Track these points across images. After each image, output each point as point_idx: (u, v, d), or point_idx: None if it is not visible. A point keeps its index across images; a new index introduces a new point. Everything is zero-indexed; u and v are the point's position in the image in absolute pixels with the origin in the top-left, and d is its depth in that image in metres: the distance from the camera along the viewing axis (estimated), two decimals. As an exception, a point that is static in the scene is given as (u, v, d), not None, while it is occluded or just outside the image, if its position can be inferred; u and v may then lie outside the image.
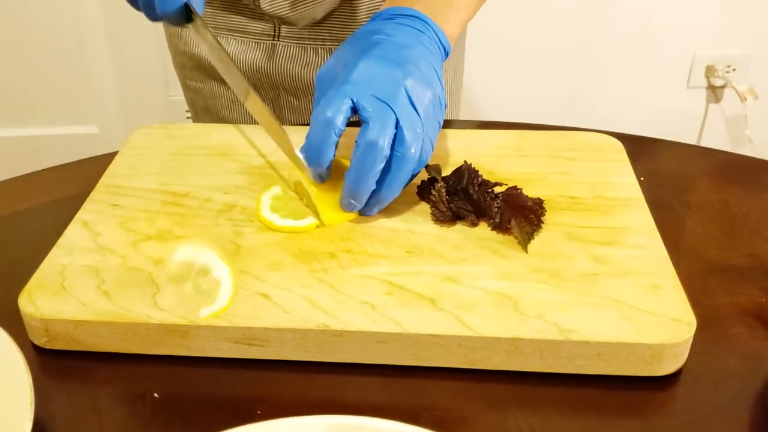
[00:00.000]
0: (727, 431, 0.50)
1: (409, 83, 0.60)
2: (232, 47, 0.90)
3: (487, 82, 1.92)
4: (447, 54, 0.67)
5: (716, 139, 2.02)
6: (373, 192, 0.61)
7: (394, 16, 0.66)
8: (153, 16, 0.62)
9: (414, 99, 0.60)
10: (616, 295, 0.55)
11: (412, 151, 0.59)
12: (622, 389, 0.52)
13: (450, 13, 0.67)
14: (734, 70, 1.93)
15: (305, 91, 0.91)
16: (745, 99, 1.91)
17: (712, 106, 2.01)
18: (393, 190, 0.61)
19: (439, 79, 0.63)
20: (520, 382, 0.53)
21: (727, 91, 1.97)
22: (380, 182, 0.60)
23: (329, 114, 0.59)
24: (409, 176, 0.61)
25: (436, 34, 0.66)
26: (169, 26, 0.96)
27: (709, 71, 1.94)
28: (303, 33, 0.88)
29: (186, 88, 1.00)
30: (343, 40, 0.87)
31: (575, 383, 0.53)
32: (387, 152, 0.59)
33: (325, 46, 0.88)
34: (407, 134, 0.59)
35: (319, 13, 0.86)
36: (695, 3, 1.86)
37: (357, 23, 0.87)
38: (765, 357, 0.54)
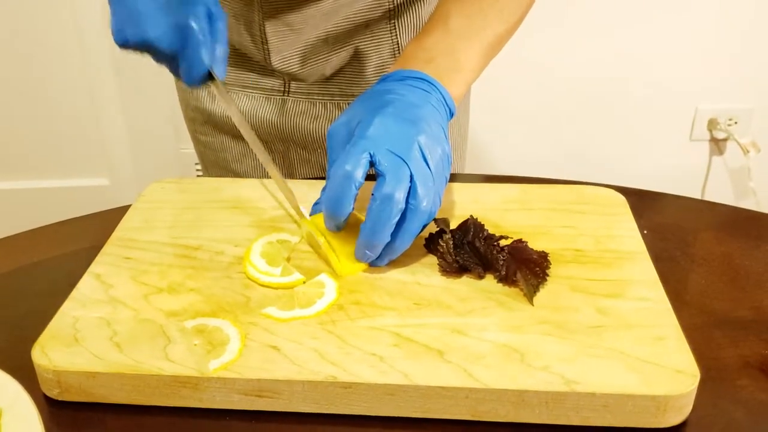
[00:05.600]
0: (735, 484, 0.50)
1: (422, 140, 0.62)
2: (243, 103, 0.93)
3: (492, 137, 1.95)
4: (452, 114, 0.69)
5: (720, 192, 2.04)
6: (387, 243, 0.62)
7: (404, 78, 0.68)
8: (177, 77, 0.66)
9: (426, 155, 0.62)
10: (620, 346, 0.56)
11: (425, 204, 0.61)
12: (628, 441, 0.53)
13: (455, 76, 0.70)
14: (736, 123, 1.95)
15: (314, 144, 0.93)
16: (748, 152, 1.93)
17: (715, 158, 2.03)
18: (406, 241, 0.63)
19: (446, 137, 0.65)
20: (528, 434, 0.53)
21: (729, 144, 2.00)
22: (394, 233, 0.62)
23: (349, 167, 0.61)
24: (421, 228, 0.63)
25: (443, 95, 0.68)
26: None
27: (712, 124, 1.97)
28: (312, 89, 0.90)
29: (196, 141, 1.03)
30: (352, 95, 0.89)
31: (582, 435, 0.53)
32: (402, 205, 0.61)
33: (334, 101, 0.91)
34: (420, 188, 0.61)
35: (328, 70, 0.88)
36: (697, 58, 1.89)
37: (365, 80, 0.89)
38: (771, 409, 0.55)
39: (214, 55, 0.64)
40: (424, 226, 0.64)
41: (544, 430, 0.53)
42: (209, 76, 0.65)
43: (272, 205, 0.75)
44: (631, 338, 0.57)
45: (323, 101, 0.91)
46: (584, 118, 1.96)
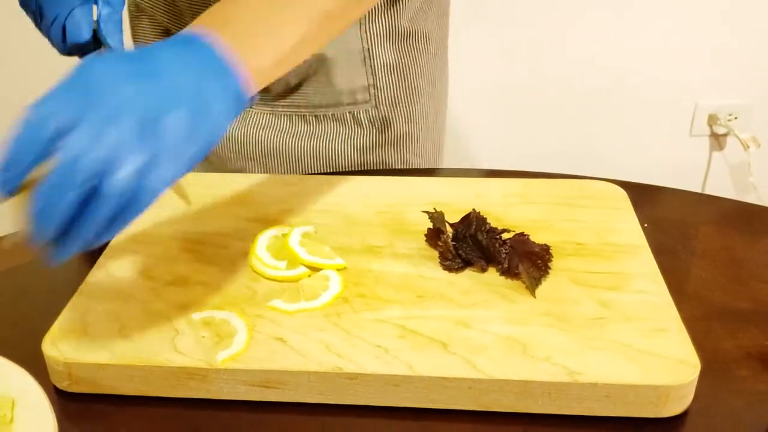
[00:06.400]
0: (734, 472, 0.51)
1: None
2: None
3: (493, 132, 1.96)
4: (241, 97, 0.52)
5: (721, 187, 2.04)
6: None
7: (173, 42, 0.52)
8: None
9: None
10: (621, 338, 0.57)
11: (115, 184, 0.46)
12: (630, 430, 0.54)
13: (259, 42, 0.55)
14: (736, 118, 1.96)
15: (279, 159, 0.89)
16: (748, 147, 1.94)
17: (716, 154, 2.03)
18: (90, 229, 0.47)
19: (171, 107, 0.48)
20: (531, 424, 0.54)
21: (729, 140, 2.00)
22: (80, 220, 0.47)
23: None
24: (116, 213, 0.47)
25: (215, 66, 0.51)
26: None
27: (712, 120, 1.97)
28: (277, 101, 0.88)
29: None
30: (318, 106, 0.86)
31: (585, 425, 0.54)
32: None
33: (299, 113, 0.87)
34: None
35: (293, 78, 0.86)
36: (697, 53, 1.90)
37: (332, 88, 0.86)
38: (770, 399, 0.55)
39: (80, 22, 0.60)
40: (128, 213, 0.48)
41: (548, 420, 0.54)
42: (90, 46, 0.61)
43: (275, 200, 0.75)
44: (632, 330, 0.57)
45: (288, 114, 0.88)
46: (584, 114, 1.96)
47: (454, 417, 0.55)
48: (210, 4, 0.80)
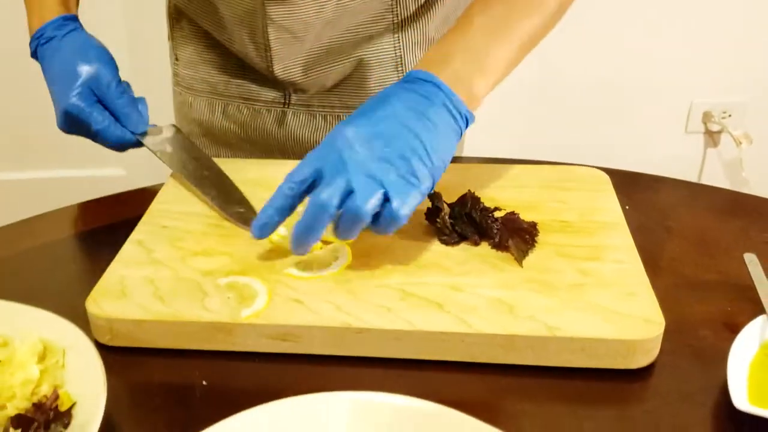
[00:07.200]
0: (693, 415, 0.59)
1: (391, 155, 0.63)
2: (244, 114, 0.96)
3: (492, 130, 2.02)
4: (467, 120, 0.68)
5: (715, 182, 2.10)
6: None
7: (411, 80, 0.67)
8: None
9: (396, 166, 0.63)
10: (597, 301, 0.64)
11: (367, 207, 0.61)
12: (603, 380, 0.61)
13: (476, 77, 0.68)
14: (730, 116, 2.03)
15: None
16: (740, 143, 2.01)
17: (710, 150, 2.10)
18: (346, 238, 0.65)
19: (430, 147, 0.64)
20: (516, 374, 0.62)
21: (723, 136, 2.07)
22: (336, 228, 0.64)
23: (325, 196, 0.63)
24: (359, 228, 0.63)
25: (450, 100, 0.66)
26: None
27: (706, 117, 2.04)
28: (313, 101, 0.93)
29: None
30: (352, 107, 0.91)
31: (563, 375, 0.61)
32: (333, 212, 0.63)
33: (334, 113, 0.93)
34: (360, 192, 0.62)
35: (330, 81, 0.91)
36: (693, 53, 1.96)
37: (366, 91, 0.91)
38: (728, 354, 0.62)
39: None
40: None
41: (531, 371, 0.62)
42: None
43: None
44: (606, 294, 0.65)
45: (323, 113, 0.93)
46: (582, 112, 2.03)
47: (449, 367, 0.62)
48: (245, 19, 0.87)
